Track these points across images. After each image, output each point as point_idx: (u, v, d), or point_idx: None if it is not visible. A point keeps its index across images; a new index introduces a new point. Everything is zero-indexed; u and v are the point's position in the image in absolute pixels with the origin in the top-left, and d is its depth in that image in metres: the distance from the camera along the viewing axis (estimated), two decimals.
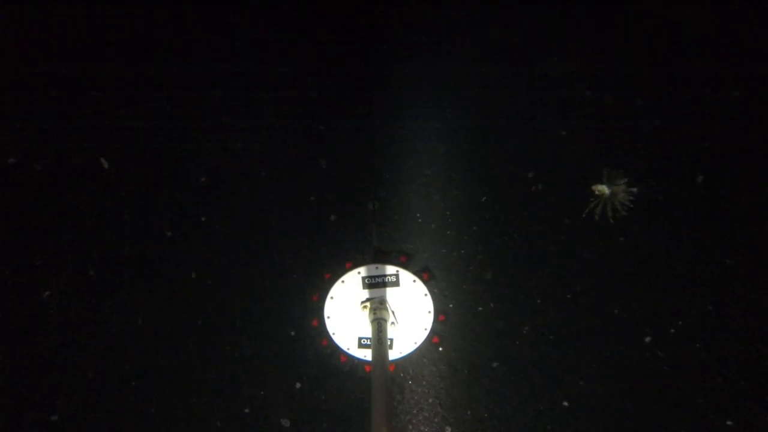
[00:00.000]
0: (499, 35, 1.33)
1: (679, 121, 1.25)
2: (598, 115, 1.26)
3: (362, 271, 1.17)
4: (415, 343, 1.17)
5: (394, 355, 1.18)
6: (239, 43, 1.34)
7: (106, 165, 1.12)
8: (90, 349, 1.19)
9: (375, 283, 1.17)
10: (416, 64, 1.32)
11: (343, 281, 1.17)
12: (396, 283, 1.17)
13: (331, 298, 1.17)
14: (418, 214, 1.24)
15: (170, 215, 1.25)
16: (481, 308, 1.20)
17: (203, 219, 1.24)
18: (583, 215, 1.16)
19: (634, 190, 1.15)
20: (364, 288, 1.17)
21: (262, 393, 1.17)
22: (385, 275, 1.17)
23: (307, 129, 1.29)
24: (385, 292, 1.16)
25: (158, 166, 1.27)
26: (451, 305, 1.20)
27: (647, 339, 1.17)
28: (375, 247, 1.21)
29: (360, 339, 1.17)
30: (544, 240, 1.22)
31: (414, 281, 1.17)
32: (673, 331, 1.17)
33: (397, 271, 1.17)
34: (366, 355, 1.17)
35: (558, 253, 1.21)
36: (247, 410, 1.16)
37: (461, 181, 1.26)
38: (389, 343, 1.16)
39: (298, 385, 1.16)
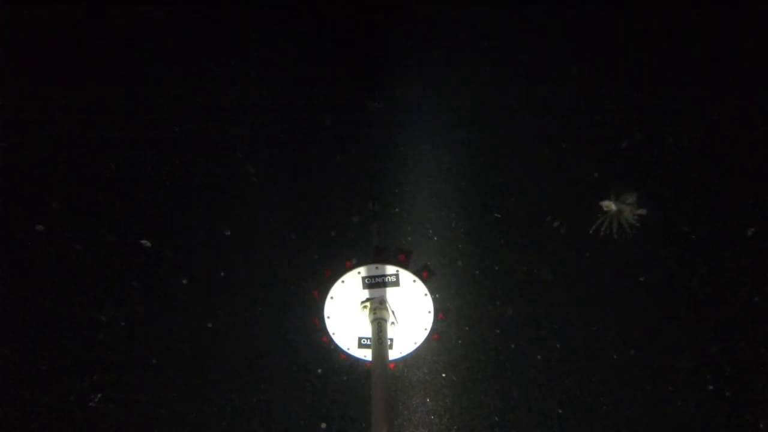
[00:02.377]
0: (500, 36, 1.33)
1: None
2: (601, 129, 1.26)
3: (362, 271, 1.17)
4: (415, 343, 1.18)
5: (394, 355, 1.18)
6: (239, 44, 1.34)
7: (148, 244, 1.15)
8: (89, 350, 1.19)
9: (375, 283, 1.17)
10: (417, 64, 1.32)
11: (343, 281, 1.17)
12: (396, 283, 1.17)
13: (331, 298, 1.17)
14: (417, 215, 1.24)
15: (171, 215, 1.24)
16: (481, 308, 1.20)
17: (203, 220, 1.24)
18: (590, 231, 1.17)
19: (643, 212, 1.15)
20: (364, 288, 1.17)
21: (262, 392, 1.17)
22: (385, 275, 1.17)
23: (307, 129, 1.29)
24: (385, 292, 1.16)
25: (158, 166, 1.27)
26: (451, 305, 1.20)
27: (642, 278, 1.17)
28: (375, 247, 1.21)
29: (360, 339, 1.17)
30: (546, 240, 1.22)
31: (414, 281, 1.17)
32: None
33: (397, 271, 1.17)
34: (366, 354, 1.17)
35: (558, 252, 1.21)
36: (247, 410, 1.17)
37: (461, 182, 1.25)
38: (389, 343, 1.16)
39: (298, 385, 1.17)
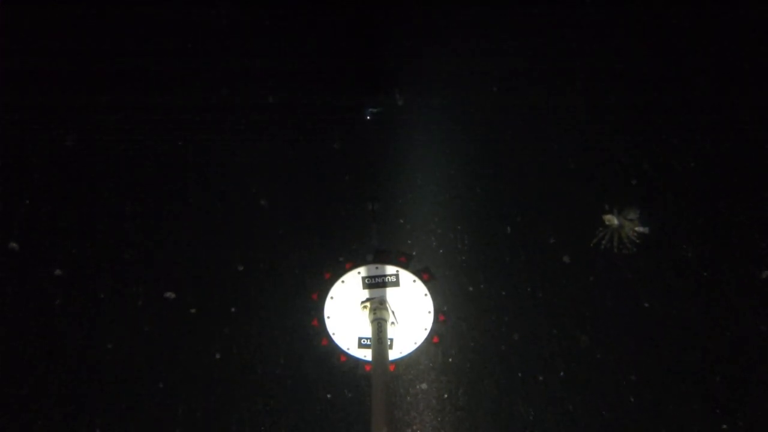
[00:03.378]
0: (503, 38, 1.33)
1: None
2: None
3: (362, 271, 1.17)
4: (415, 343, 1.18)
5: (394, 355, 1.18)
6: (237, 45, 1.34)
7: (173, 296, 1.16)
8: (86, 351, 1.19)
9: (375, 283, 1.17)
10: (417, 65, 1.32)
11: (343, 281, 1.17)
12: (396, 283, 1.17)
13: (331, 298, 1.17)
14: (417, 215, 1.24)
15: (171, 216, 1.24)
16: (481, 308, 1.20)
17: (204, 222, 1.24)
18: (591, 244, 1.18)
19: (645, 230, 1.16)
20: (364, 288, 1.17)
21: (261, 392, 1.17)
22: (385, 275, 1.17)
23: (307, 129, 1.29)
24: (385, 292, 1.16)
25: (159, 167, 1.27)
26: (451, 305, 1.20)
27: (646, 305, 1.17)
28: (375, 247, 1.21)
29: (360, 339, 1.17)
30: (546, 240, 1.22)
31: (414, 281, 1.17)
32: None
33: (397, 271, 1.17)
34: (366, 355, 1.17)
35: (559, 252, 1.21)
36: (246, 411, 1.17)
37: (462, 182, 1.26)
38: (389, 343, 1.16)
39: (297, 385, 1.17)
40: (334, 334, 1.17)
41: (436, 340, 1.18)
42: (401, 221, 1.24)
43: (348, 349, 1.17)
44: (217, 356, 1.18)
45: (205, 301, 1.21)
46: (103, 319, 1.18)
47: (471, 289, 1.21)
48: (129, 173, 1.26)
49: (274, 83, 1.31)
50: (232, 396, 1.17)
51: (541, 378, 1.17)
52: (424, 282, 1.17)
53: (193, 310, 1.20)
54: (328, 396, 1.17)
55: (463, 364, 1.18)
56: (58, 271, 1.19)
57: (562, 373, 1.16)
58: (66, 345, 1.17)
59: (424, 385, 1.18)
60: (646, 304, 1.17)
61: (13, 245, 1.20)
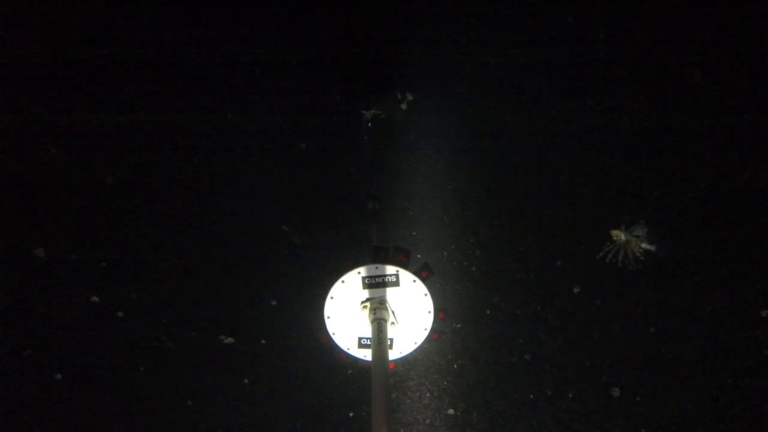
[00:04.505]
0: (503, 39, 1.33)
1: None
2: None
3: (362, 271, 1.17)
4: (415, 342, 1.17)
5: (394, 354, 1.18)
6: (238, 46, 1.33)
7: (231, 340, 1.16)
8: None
9: (375, 283, 1.16)
10: (417, 66, 1.32)
11: (343, 281, 1.17)
12: (396, 283, 1.16)
13: (331, 298, 1.17)
14: (418, 216, 1.24)
15: (172, 216, 1.24)
16: (482, 308, 1.20)
17: (204, 221, 1.24)
18: (597, 257, 1.18)
19: (651, 248, 1.16)
20: (364, 288, 1.16)
21: (261, 393, 1.17)
22: (385, 275, 1.17)
23: (307, 130, 1.29)
24: (385, 292, 1.16)
25: (158, 168, 1.27)
26: (451, 305, 1.20)
27: (652, 329, 1.16)
28: (375, 246, 1.21)
29: (360, 339, 1.17)
30: (546, 240, 1.22)
31: (414, 281, 1.17)
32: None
33: (397, 271, 1.17)
34: (366, 355, 1.17)
35: (558, 254, 1.21)
36: (247, 410, 1.17)
37: (462, 182, 1.25)
38: (389, 343, 1.16)
39: (298, 385, 1.17)
40: (334, 334, 1.17)
41: (435, 336, 1.18)
42: (401, 220, 1.24)
43: (348, 349, 1.17)
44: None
45: (204, 299, 1.20)
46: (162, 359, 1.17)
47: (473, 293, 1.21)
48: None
49: (275, 84, 1.31)
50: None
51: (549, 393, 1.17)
52: (424, 282, 1.17)
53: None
54: (329, 397, 1.17)
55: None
56: (120, 313, 1.19)
57: (569, 392, 1.16)
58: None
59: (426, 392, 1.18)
60: (652, 329, 1.16)
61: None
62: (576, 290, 1.17)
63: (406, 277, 1.17)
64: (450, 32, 1.32)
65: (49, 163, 1.24)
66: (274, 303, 1.21)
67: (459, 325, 1.18)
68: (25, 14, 1.31)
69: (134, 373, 1.19)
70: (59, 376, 1.18)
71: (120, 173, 1.24)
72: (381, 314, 1.09)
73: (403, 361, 1.19)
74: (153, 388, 1.20)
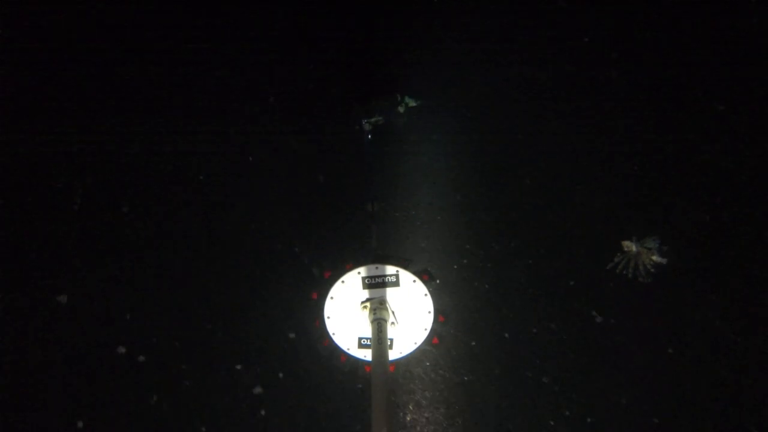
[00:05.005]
0: (504, 39, 1.34)
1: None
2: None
3: (362, 271, 1.17)
4: (415, 343, 1.18)
5: (394, 355, 1.18)
6: (237, 49, 1.34)
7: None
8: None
9: (375, 284, 1.17)
10: (418, 67, 1.33)
11: (343, 281, 1.17)
12: (396, 284, 1.17)
13: (331, 298, 1.17)
14: (417, 216, 1.24)
15: (173, 216, 1.25)
16: (482, 308, 1.20)
17: (204, 221, 1.24)
18: (607, 267, 1.19)
19: (663, 261, 1.17)
20: (364, 288, 1.17)
21: (260, 394, 1.17)
22: (385, 275, 1.17)
23: (307, 130, 1.29)
24: (385, 292, 1.16)
25: (159, 167, 1.27)
26: (451, 306, 1.20)
27: (670, 349, 1.16)
28: (375, 247, 1.22)
29: (360, 339, 1.17)
30: (547, 241, 1.22)
31: (414, 281, 1.17)
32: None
33: (397, 271, 1.17)
34: (366, 355, 1.17)
35: (559, 254, 1.21)
36: (246, 410, 1.16)
37: (462, 183, 1.26)
38: (389, 343, 1.16)
39: (298, 385, 1.17)
40: (334, 334, 1.17)
41: (435, 341, 1.18)
42: (401, 220, 1.24)
43: (348, 349, 1.17)
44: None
45: (205, 300, 1.21)
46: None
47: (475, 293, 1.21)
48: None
49: (275, 86, 1.32)
50: None
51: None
52: (424, 282, 1.17)
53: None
54: (329, 398, 1.17)
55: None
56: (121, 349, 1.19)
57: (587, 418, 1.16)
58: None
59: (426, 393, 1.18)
60: (670, 350, 1.16)
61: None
62: (593, 313, 1.17)
63: (406, 277, 1.17)
64: (451, 42, 1.34)
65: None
66: (274, 303, 1.21)
67: (474, 343, 1.18)
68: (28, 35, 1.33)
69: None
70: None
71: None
72: (381, 314, 1.09)
73: (406, 363, 1.19)
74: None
